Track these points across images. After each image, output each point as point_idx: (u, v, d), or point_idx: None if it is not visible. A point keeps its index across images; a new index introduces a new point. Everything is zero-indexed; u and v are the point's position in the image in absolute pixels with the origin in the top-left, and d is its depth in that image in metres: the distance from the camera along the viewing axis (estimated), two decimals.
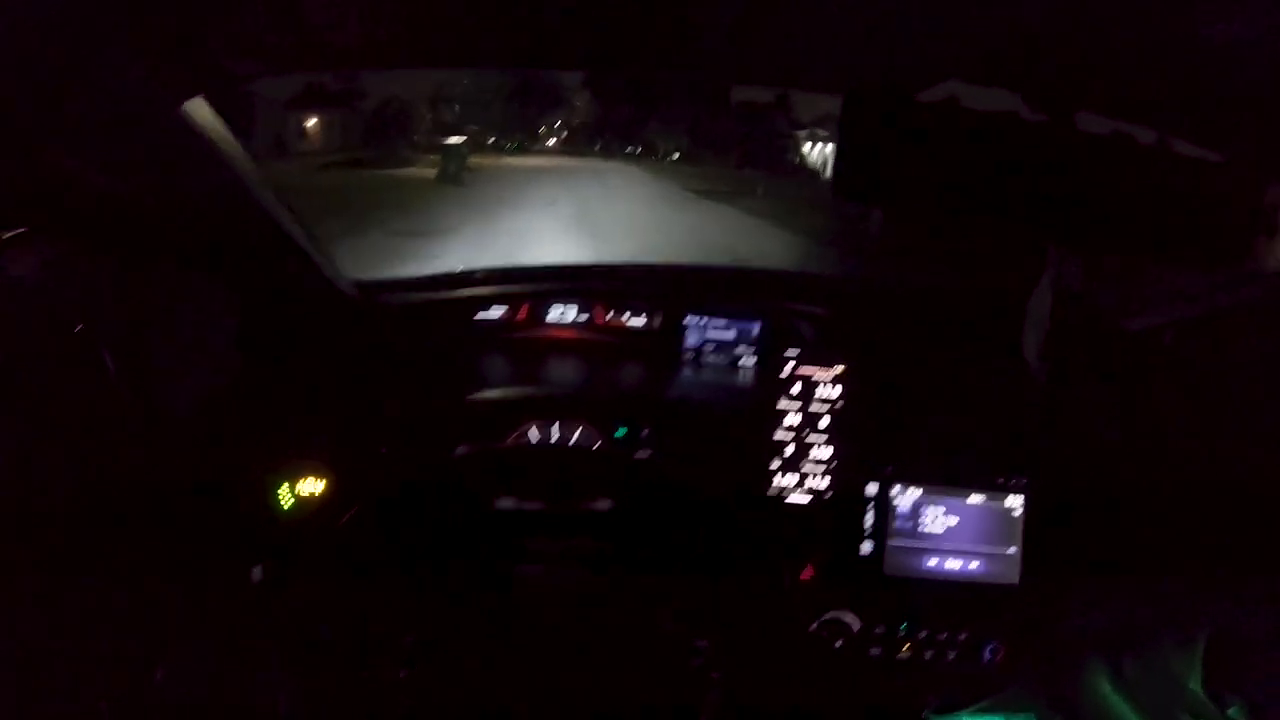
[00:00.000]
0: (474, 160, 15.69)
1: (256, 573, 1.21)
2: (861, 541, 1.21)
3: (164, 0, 0.72)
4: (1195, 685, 1.39)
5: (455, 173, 13.88)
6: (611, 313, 1.46)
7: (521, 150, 22.81)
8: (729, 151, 21.40)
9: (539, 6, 0.86)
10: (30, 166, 0.83)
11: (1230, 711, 1.37)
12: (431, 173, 14.64)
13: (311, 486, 1.24)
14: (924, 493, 1.22)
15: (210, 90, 0.88)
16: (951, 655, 1.24)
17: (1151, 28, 0.74)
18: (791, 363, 1.22)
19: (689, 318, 1.47)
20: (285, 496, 1.23)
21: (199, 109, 0.87)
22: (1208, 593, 1.38)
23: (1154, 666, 1.44)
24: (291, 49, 0.99)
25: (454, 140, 15.62)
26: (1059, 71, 0.84)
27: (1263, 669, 1.38)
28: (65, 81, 0.73)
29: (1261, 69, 0.75)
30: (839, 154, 0.73)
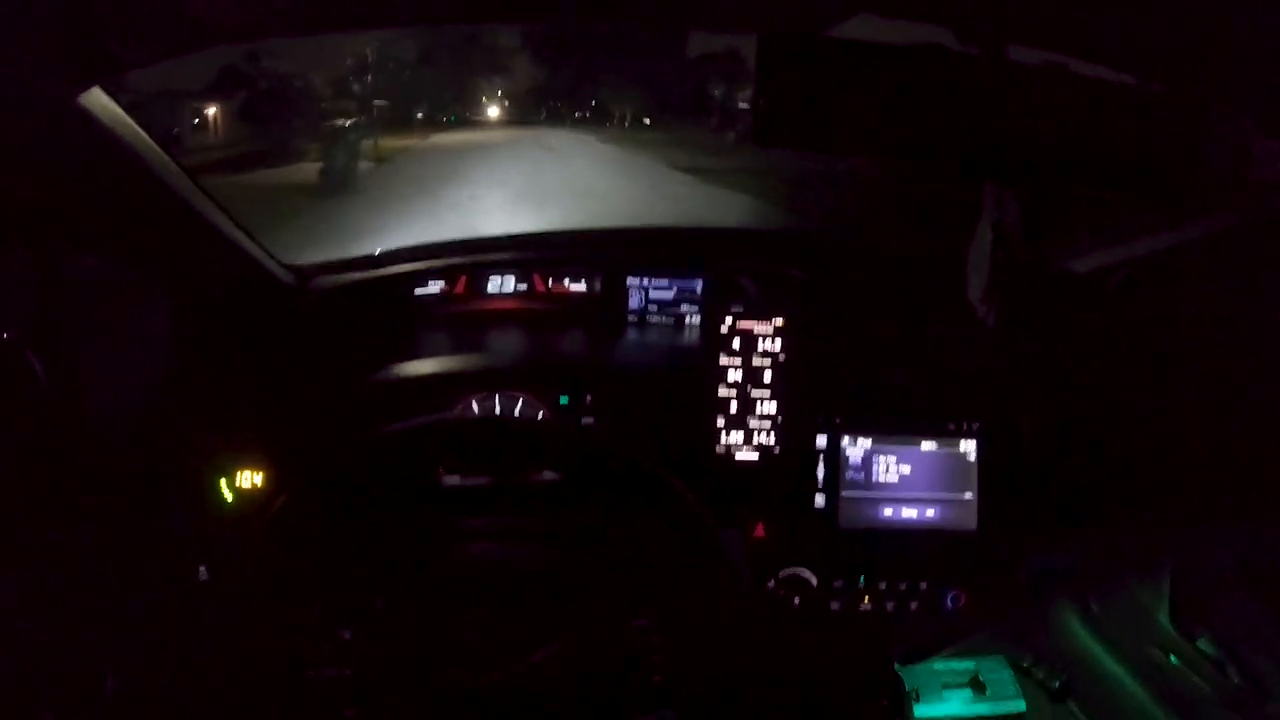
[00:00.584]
0: (387, 143, 13.70)
1: (202, 571, 1.18)
2: (814, 495, 1.20)
3: None
4: (1163, 619, 1.39)
5: (345, 166, 10.37)
6: (551, 280, 1.43)
7: (459, 124, 20.70)
8: (679, 111, 19.74)
9: None
10: None
11: (1199, 643, 1.36)
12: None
13: (251, 479, 1.21)
14: (874, 442, 1.20)
15: (103, 80, 0.85)
16: (914, 605, 1.23)
17: None
18: (731, 318, 1.19)
19: (630, 279, 1.44)
20: (225, 491, 1.21)
21: (97, 99, 0.84)
22: (1171, 529, 1.37)
23: (1121, 602, 1.44)
24: (184, 29, 0.96)
25: (342, 123, 12.84)
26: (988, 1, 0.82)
27: (1230, 601, 1.38)
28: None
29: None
30: (756, 100, 0.70)
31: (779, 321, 1.19)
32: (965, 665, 1.43)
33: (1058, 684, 1.42)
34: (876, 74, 0.71)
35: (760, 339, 1.19)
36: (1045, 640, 1.48)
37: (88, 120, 0.83)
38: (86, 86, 0.82)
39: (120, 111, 0.88)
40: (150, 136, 0.94)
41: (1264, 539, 1.34)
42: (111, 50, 0.84)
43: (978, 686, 1.40)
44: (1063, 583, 1.49)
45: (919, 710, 1.35)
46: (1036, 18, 0.82)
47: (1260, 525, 1.33)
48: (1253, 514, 1.33)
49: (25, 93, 0.75)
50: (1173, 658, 1.35)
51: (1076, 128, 0.74)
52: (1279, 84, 0.81)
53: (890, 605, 1.22)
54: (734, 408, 1.21)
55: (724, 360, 1.20)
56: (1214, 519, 1.34)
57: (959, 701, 1.38)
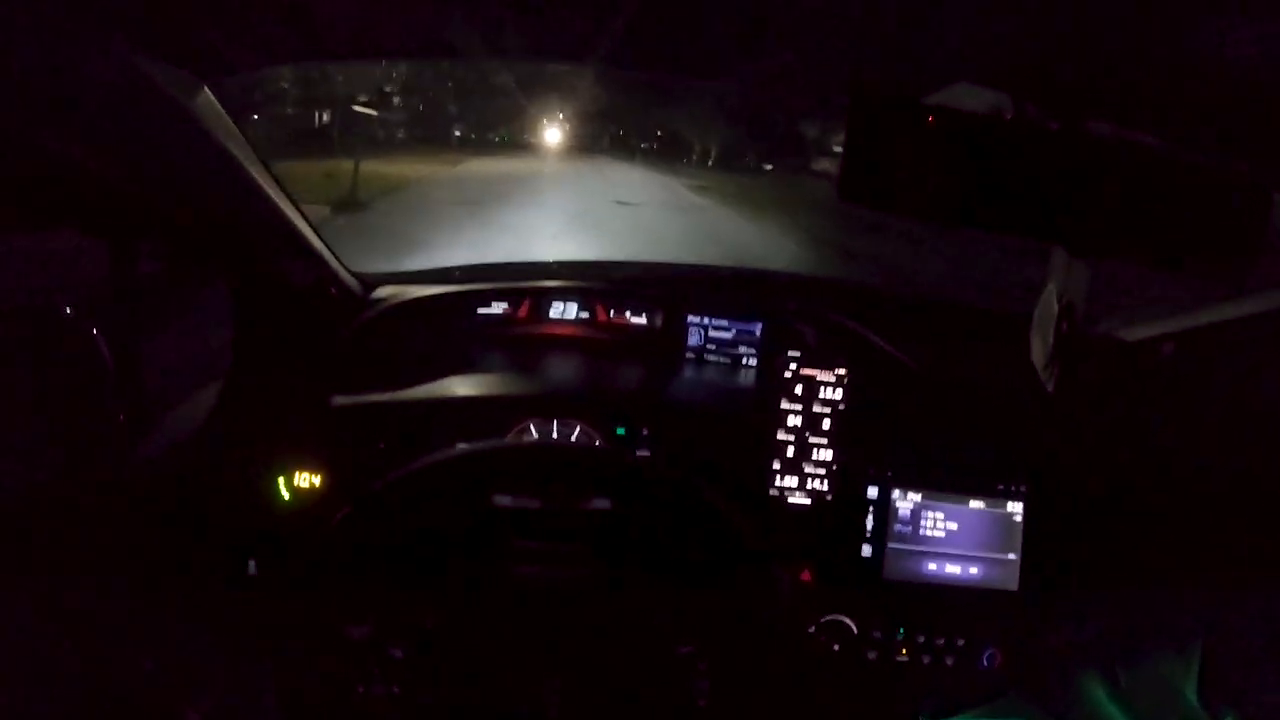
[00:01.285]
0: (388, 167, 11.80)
1: (252, 566, 1.20)
2: (861, 545, 1.21)
3: None
4: (1190, 695, 1.40)
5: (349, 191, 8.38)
6: (613, 311, 1.45)
7: (508, 145, 18.92)
8: (745, 153, 18.58)
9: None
10: (30, 155, 0.82)
11: None
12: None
13: (310, 480, 1.23)
14: (924, 497, 1.22)
15: (212, 79, 0.88)
16: (949, 660, 1.23)
17: (1163, 35, 0.74)
18: (794, 364, 1.21)
19: (690, 317, 1.46)
20: (282, 490, 1.22)
21: (202, 98, 0.87)
22: (1205, 604, 1.38)
23: (1149, 676, 1.44)
24: (295, 40, 0.99)
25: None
26: (1069, 76, 0.84)
27: (1257, 681, 1.38)
28: (68, 68, 0.73)
29: (1274, 82, 0.75)
30: (845, 156, 0.73)
31: (841, 371, 1.21)
32: None
33: None
34: (961, 139, 0.74)
35: (822, 387, 1.21)
36: (1070, 706, 1.49)
37: (192, 117, 0.85)
38: (196, 84, 0.85)
39: (223, 112, 0.91)
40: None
41: None
42: (223, 52, 0.87)
43: None
44: (1092, 651, 1.49)
45: None
46: (1116, 95, 0.84)
47: None
48: None
49: (136, 86, 0.77)
50: None
51: (1148, 204, 0.76)
52: None
53: (926, 659, 1.23)
54: (790, 452, 1.22)
55: (785, 405, 1.22)
56: (1249, 593, 1.34)
57: None
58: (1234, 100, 0.85)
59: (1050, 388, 1.03)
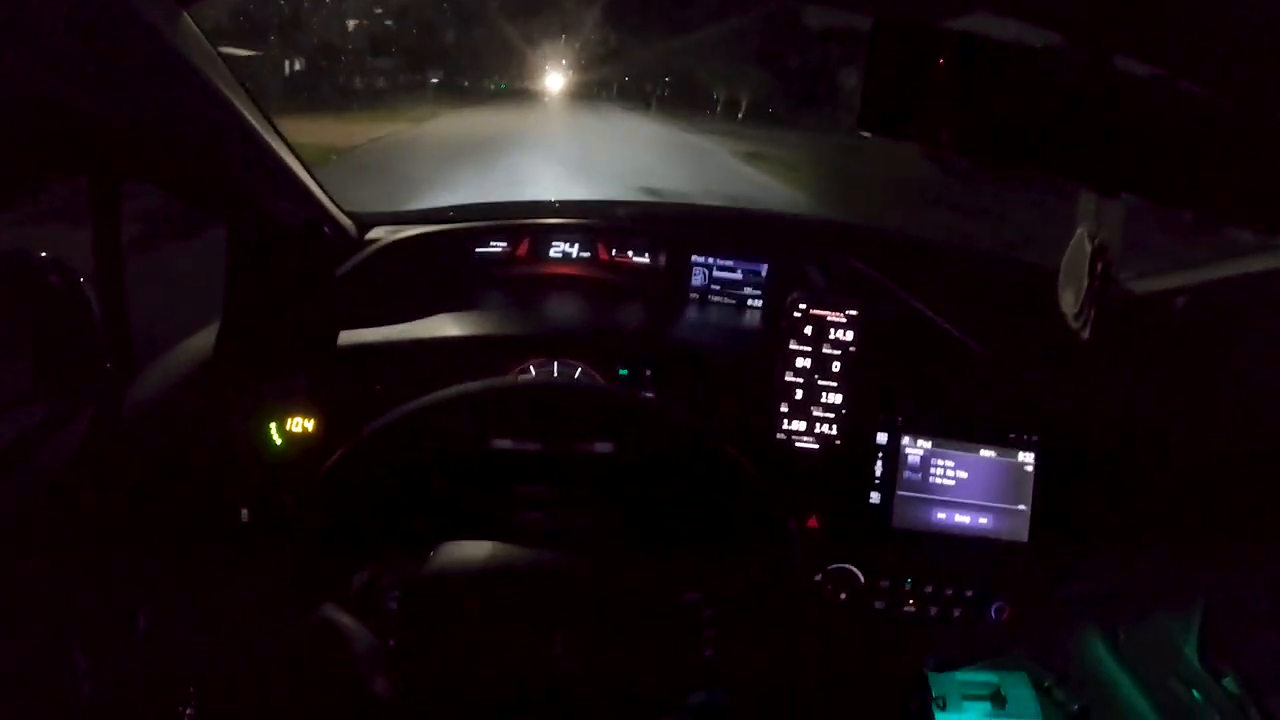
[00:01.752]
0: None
1: (244, 515, 1.16)
2: (869, 492, 1.18)
3: None
4: (1190, 653, 1.39)
5: None
6: (615, 250, 1.41)
7: (508, 93, 16.66)
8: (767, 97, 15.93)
9: None
10: (9, 92, 0.77)
11: (1224, 681, 1.36)
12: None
13: (302, 424, 1.19)
14: (934, 445, 1.19)
15: (191, 5, 0.83)
16: (956, 612, 1.21)
17: None
18: (803, 304, 1.18)
19: (695, 257, 1.42)
20: (274, 435, 1.18)
21: (183, 25, 0.82)
22: (1208, 564, 1.37)
23: (1149, 634, 1.44)
24: None
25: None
26: (1098, 7, 0.81)
27: (1259, 642, 1.38)
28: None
29: None
30: (865, 85, 0.69)
31: (852, 312, 1.18)
32: (988, 678, 1.43)
33: (1077, 707, 1.42)
34: (985, 71, 0.70)
35: (832, 328, 1.18)
36: (1070, 662, 1.48)
37: (172, 46, 0.80)
38: (177, 10, 0.81)
39: (204, 39, 0.86)
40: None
41: None
42: None
43: (998, 700, 1.39)
44: (1093, 607, 1.49)
45: (939, 718, 1.35)
46: (1146, 31, 0.81)
47: None
48: None
49: (117, 16, 0.73)
50: (1195, 693, 1.35)
51: (1179, 144, 0.73)
52: None
53: (934, 610, 1.21)
54: (799, 395, 1.19)
55: (793, 346, 1.18)
56: (1252, 554, 1.34)
57: (978, 713, 1.38)
58: (1268, 41, 0.82)
59: (1085, 335, 1.01)
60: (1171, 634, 1.41)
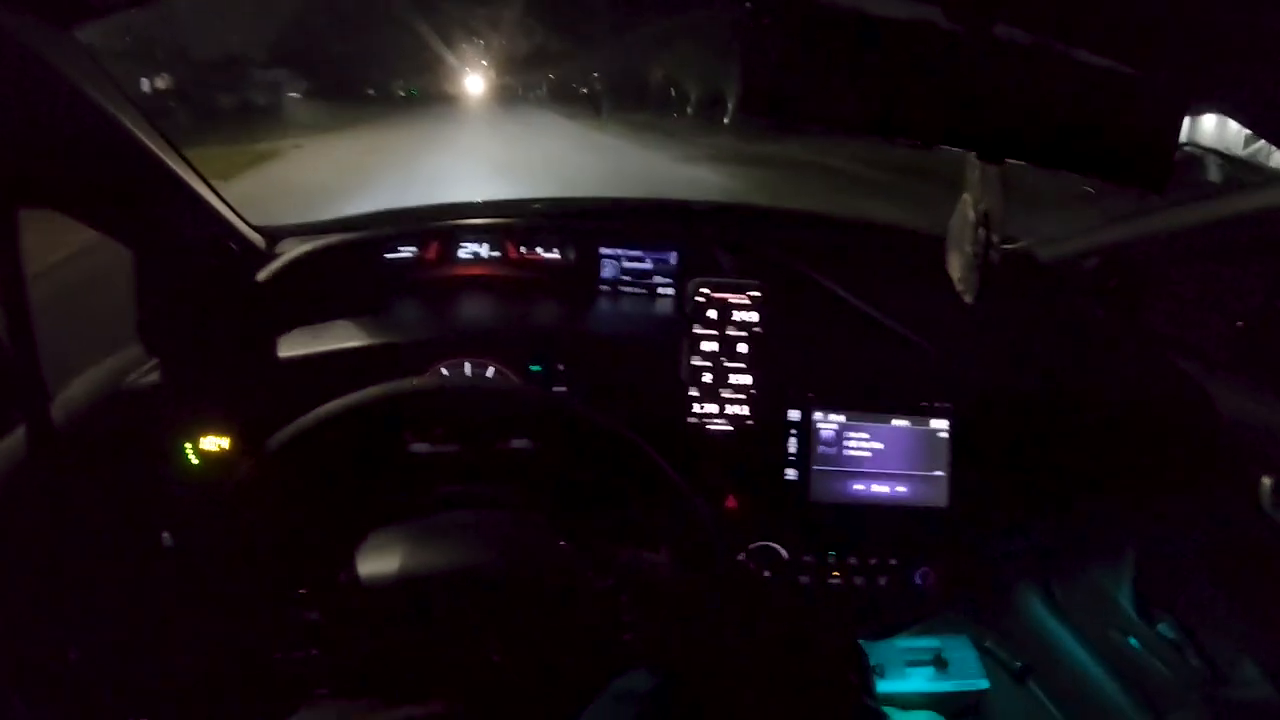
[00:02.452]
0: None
1: (166, 537, 1.15)
2: (785, 469, 1.19)
3: None
4: (1125, 602, 1.41)
5: None
6: (524, 248, 1.41)
7: (418, 99, 13.99)
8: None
9: None
10: None
11: (1159, 628, 1.39)
12: None
13: (217, 443, 1.17)
14: (848, 418, 1.20)
15: (77, 25, 0.81)
16: (883, 581, 1.22)
17: None
18: (706, 288, 1.18)
19: (604, 249, 1.42)
20: (190, 455, 1.17)
21: (68, 46, 0.81)
22: (1134, 513, 1.39)
23: (1083, 586, 1.46)
24: None
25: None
26: None
27: (1191, 586, 1.40)
28: None
29: None
30: (743, 68, 0.69)
31: (755, 293, 1.18)
32: (929, 643, 1.45)
33: (1019, 665, 1.44)
34: (864, 46, 0.71)
35: (736, 310, 1.18)
36: (1008, 621, 1.50)
37: (58, 68, 0.79)
38: (61, 31, 0.79)
39: (93, 61, 0.84)
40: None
41: (1222, 524, 1.37)
42: None
43: (940, 664, 1.41)
44: (1026, 565, 1.50)
45: (882, 686, 1.36)
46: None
47: (1218, 509, 1.35)
48: (1211, 497, 1.35)
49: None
50: (1133, 641, 1.37)
51: (1062, 108, 0.74)
52: (1258, 79, 0.82)
53: (859, 580, 1.22)
54: (707, 378, 1.19)
55: (698, 329, 1.18)
56: (1176, 502, 1.36)
57: (922, 679, 1.40)
58: (1143, 6, 0.82)
59: (969, 298, 1.02)
60: (1105, 585, 1.44)
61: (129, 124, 0.93)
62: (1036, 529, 1.36)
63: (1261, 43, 0.74)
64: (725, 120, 12.39)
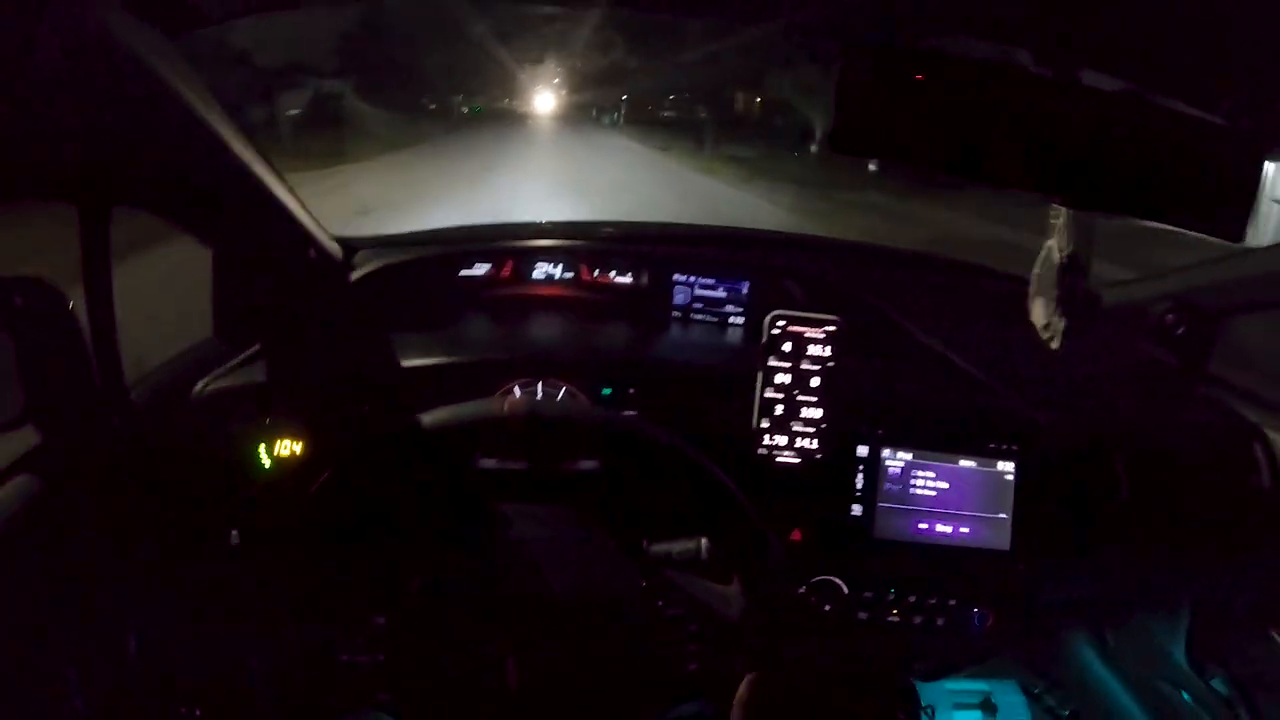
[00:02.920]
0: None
1: (234, 536, 1.17)
2: (851, 504, 1.20)
3: None
4: (1178, 655, 1.40)
5: None
6: (598, 271, 1.43)
7: (482, 116, 12.48)
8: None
9: None
10: None
11: (1213, 682, 1.37)
12: None
13: (290, 447, 1.20)
14: (914, 456, 1.21)
15: (182, 35, 0.85)
16: (940, 621, 1.22)
17: None
18: (783, 321, 1.19)
19: (677, 276, 1.44)
20: (263, 457, 1.20)
21: (170, 55, 0.84)
22: (1192, 566, 1.38)
23: (1137, 636, 1.45)
24: None
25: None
26: (1062, 24, 0.83)
27: (1246, 643, 1.39)
28: (34, 28, 0.70)
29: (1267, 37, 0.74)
30: (837, 107, 0.71)
31: (830, 328, 1.19)
32: (978, 686, 1.44)
33: (1068, 712, 1.43)
34: (954, 88, 0.72)
35: (810, 344, 1.20)
36: (1059, 668, 1.49)
37: (160, 74, 0.81)
38: (167, 39, 0.82)
39: (191, 69, 0.87)
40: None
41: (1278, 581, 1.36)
42: (196, 4, 0.84)
43: (989, 709, 1.41)
44: (1080, 612, 1.49)
45: None
46: (1110, 45, 0.83)
47: (1276, 565, 1.35)
48: (1270, 553, 1.34)
49: (105, 43, 0.74)
50: (1185, 694, 1.36)
51: (1145, 156, 0.75)
52: None
53: (918, 619, 1.22)
54: (779, 410, 1.20)
55: (773, 362, 1.20)
56: (1232, 557, 1.35)
57: None
58: (1230, 54, 0.84)
59: (1055, 345, 1.02)
60: (1159, 637, 1.43)
61: (224, 132, 0.96)
62: (1093, 576, 1.35)
63: None
64: (872, 168, 9.94)
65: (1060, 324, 1.00)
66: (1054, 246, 1.00)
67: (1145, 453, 1.30)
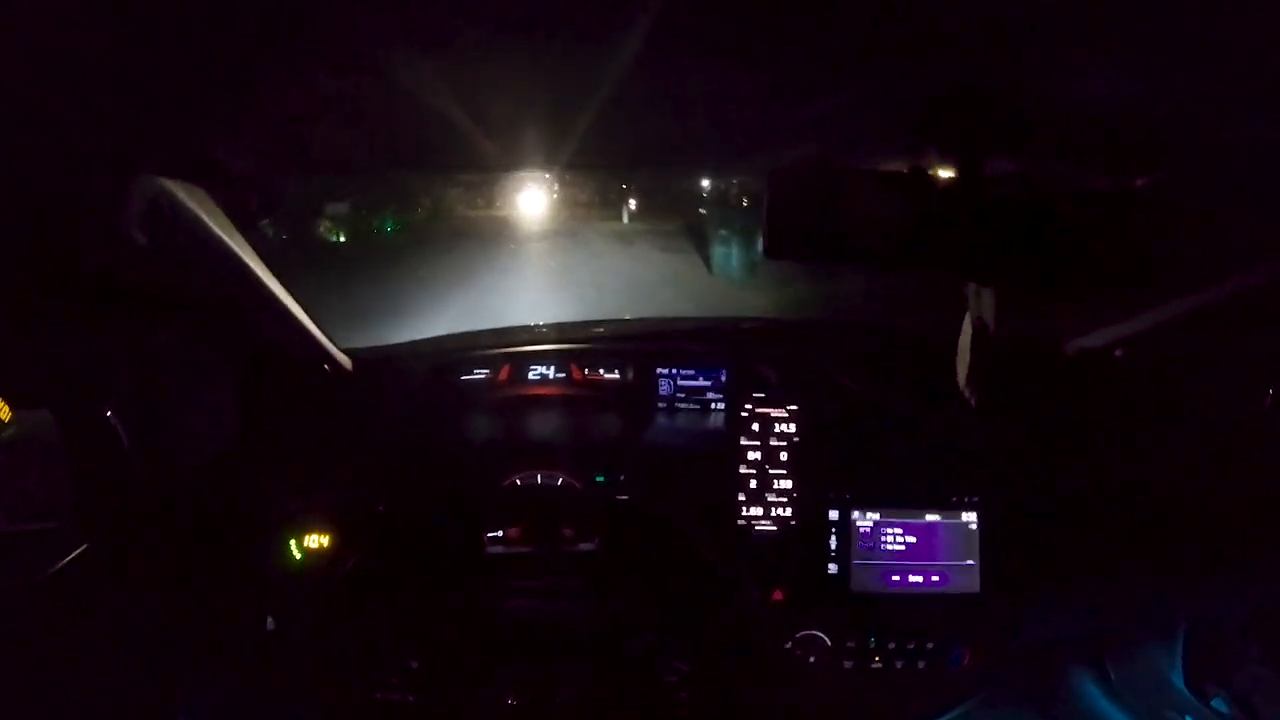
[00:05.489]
0: None
1: (270, 622, 1.33)
2: (827, 563, 1.31)
3: (177, 104, 0.81)
4: (1178, 680, 1.45)
5: None
6: (587, 369, 1.58)
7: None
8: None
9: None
10: (73, 263, 0.95)
11: (1213, 702, 1.42)
12: None
13: (319, 540, 1.36)
14: (883, 515, 1.32)
15: (210, 185, 0.99)
16: (921, 664, 1.32)
17: (1043, 81, 0.85)
18: (749, 404, 1.34)
19: (659, 369, 1.58)
20: (294, 550, 1.35)
21: (212, 206, 0.99)
22: (1180, 591, 1.43)
23: (1136, 666, 1.50)
24: (290, 154, 1.15)
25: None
26: (963, 120, 0.94)
27: (1242, 660, 1.44)
28: (87, 168, 0.83)
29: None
30: (766, 221, 0.81)
31: (793, 406, 1.33)
32: None
33: None
34: (871, 194, 0.84)
35: (777, 423, 1.33)
36: (1061, 705, 1.55)
37: (186, 211, 0.94)
38: (193, 186, 0.96)
39: (222, 212, 1.01)
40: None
41: (1270, 597, 1.39)
42: (222, 163, 0.99)
43: None
44: (1078, 648, 1.55)
45: None
46: (1009, 133, 0.94)
47: (1263, 582, 1.39)
48: (1254, 571, 1.39)
49: (142, 188, 0.88)
50: (1188, 718, 1.41)
51: (1048, 230, 0.83)
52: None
53: (899, 664, 1.31)
54: (754, 484, 1.34)
55: (744, 442, 1.34)
56: (1217, 578, 1.39)
57: None
58: (1116, 124, 0.95)
59: (972, 403, 1.13)
60: (1158, 664, 1.48)
61: (253, 266, 1.11)
62: (1082, 611, 1.42)
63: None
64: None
65: (974, 384, 1.09)
66: (969, 317, 1.10)
67: (1113, 490, 1.37)
